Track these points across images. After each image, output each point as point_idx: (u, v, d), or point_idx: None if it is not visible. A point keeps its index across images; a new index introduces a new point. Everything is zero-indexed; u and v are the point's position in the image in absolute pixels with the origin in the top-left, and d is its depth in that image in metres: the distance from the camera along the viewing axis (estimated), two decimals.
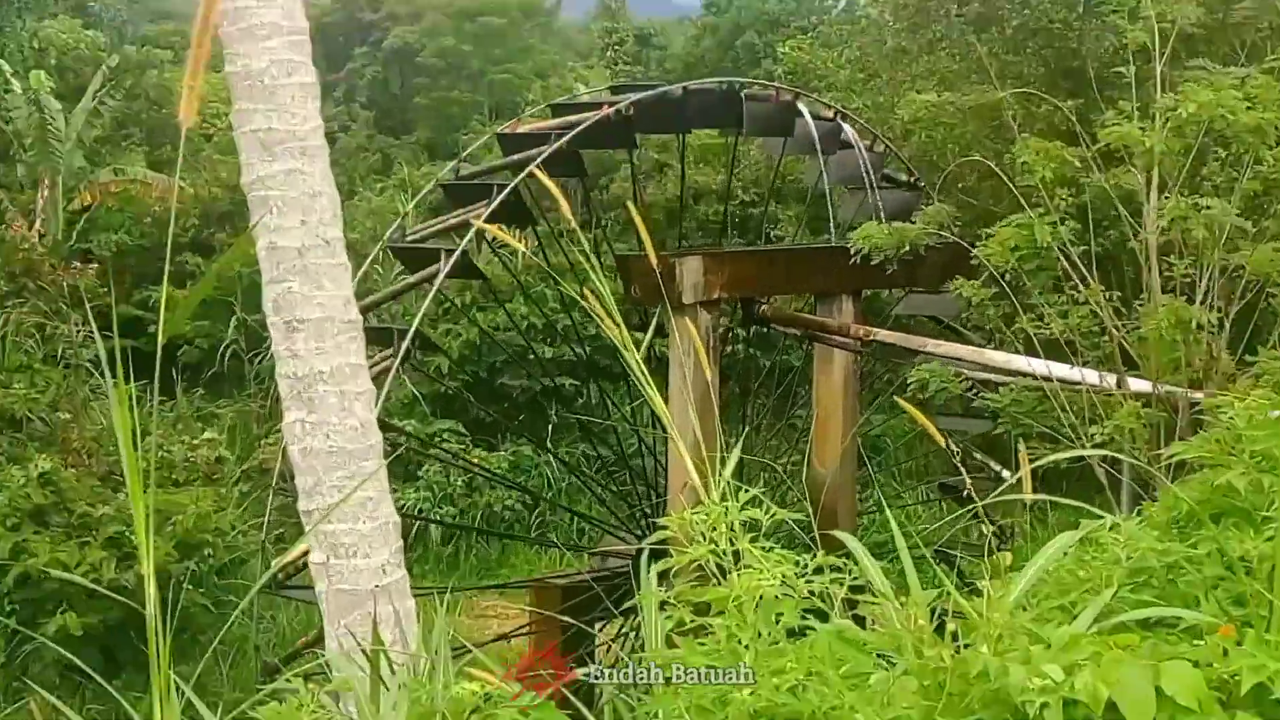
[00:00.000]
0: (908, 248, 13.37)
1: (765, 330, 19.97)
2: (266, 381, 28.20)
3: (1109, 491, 10.88)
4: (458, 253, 15.31)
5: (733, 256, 16.68)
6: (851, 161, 18.48)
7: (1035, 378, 11.69)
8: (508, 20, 49.81)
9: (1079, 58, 20.11)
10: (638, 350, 4.45)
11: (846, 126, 18.77)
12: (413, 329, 15.12)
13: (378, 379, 13.87)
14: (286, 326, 7.05)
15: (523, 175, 15.50)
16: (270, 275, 7.10)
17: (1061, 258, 11.21)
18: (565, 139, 16.02)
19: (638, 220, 5.03)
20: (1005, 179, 12.29)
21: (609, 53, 52.05)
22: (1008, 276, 11.32)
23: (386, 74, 52.13)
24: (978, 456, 18.14)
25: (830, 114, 18.96)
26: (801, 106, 18.19)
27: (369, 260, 16.79)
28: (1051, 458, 4.40)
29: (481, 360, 26.46)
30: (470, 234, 15.30)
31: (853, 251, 13.98)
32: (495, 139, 18.27)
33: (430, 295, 15.51)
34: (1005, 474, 16.75)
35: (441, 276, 15.17)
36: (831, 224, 18.87)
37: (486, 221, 15.18)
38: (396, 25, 52.41)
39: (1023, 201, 11.46)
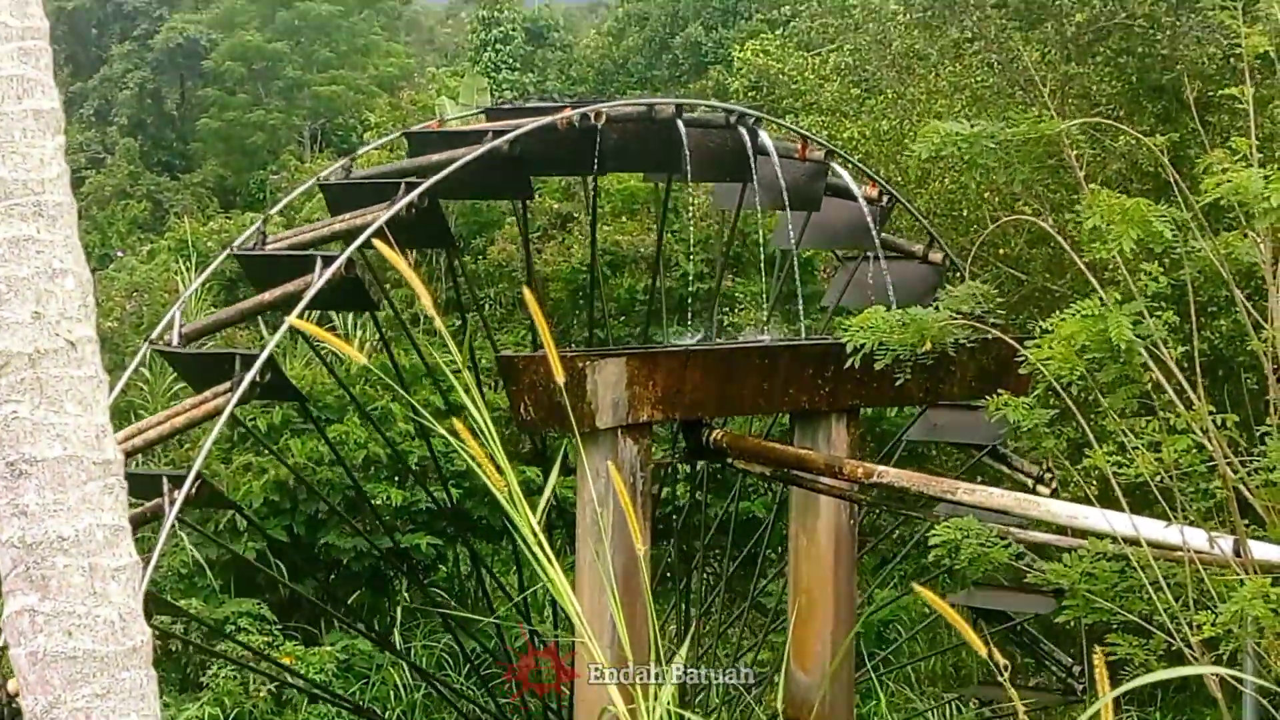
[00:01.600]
0: (928, 346, 13.51)
1: (719, 467, 20.03)
2: None
3: (1224, 707, 10.96)
4: (256, 364, 15.26)
5: (670, 358, 16.69)
6: (845, 219, 18.73)
7: (1115, 539, 11.79)
8: (339, 7, 50.15)
9: (1171, 70, 20.59)
10: (532, 502, 4.49)
11: (838, 168, 19.06)
12: (196, 465, 15.04)
13: (144, 548, 13.81)
14: (10, 470, 6.97)
15: (358, 244, 15.57)
16: None
17: (1151, 363, 11.36)
18: (421, 188, 16.12)
19: (531, 303, 5.07)
20: (1066, 245, 12.49)
21: (487, 54, 52.55)
22: (1074, 390, 11.46)
23: (158, 84, 52.22)
24: (1044, 645, 18.28)
25: (816, 151, 19.22)
26: (765, 138, 18.42)
27: (131, 365, 16.67)
28: (1142, 679, 4.44)
29: (297, 510, 26.28)
30: (281, 330, 15.30)
31: (848, 351, 14.11)
32: (319, 185, 18.37)
33: (218, 425, 15.43)
34: (1073, 680, 16.89)
35: (233, 399, 15.10)
36: (800, 304, 19.11)
37: (307, 308, 15.20)
38: (174, 12, 52.62)
39: (1092, 279, 11.64)
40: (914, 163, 16.99)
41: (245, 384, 15.07)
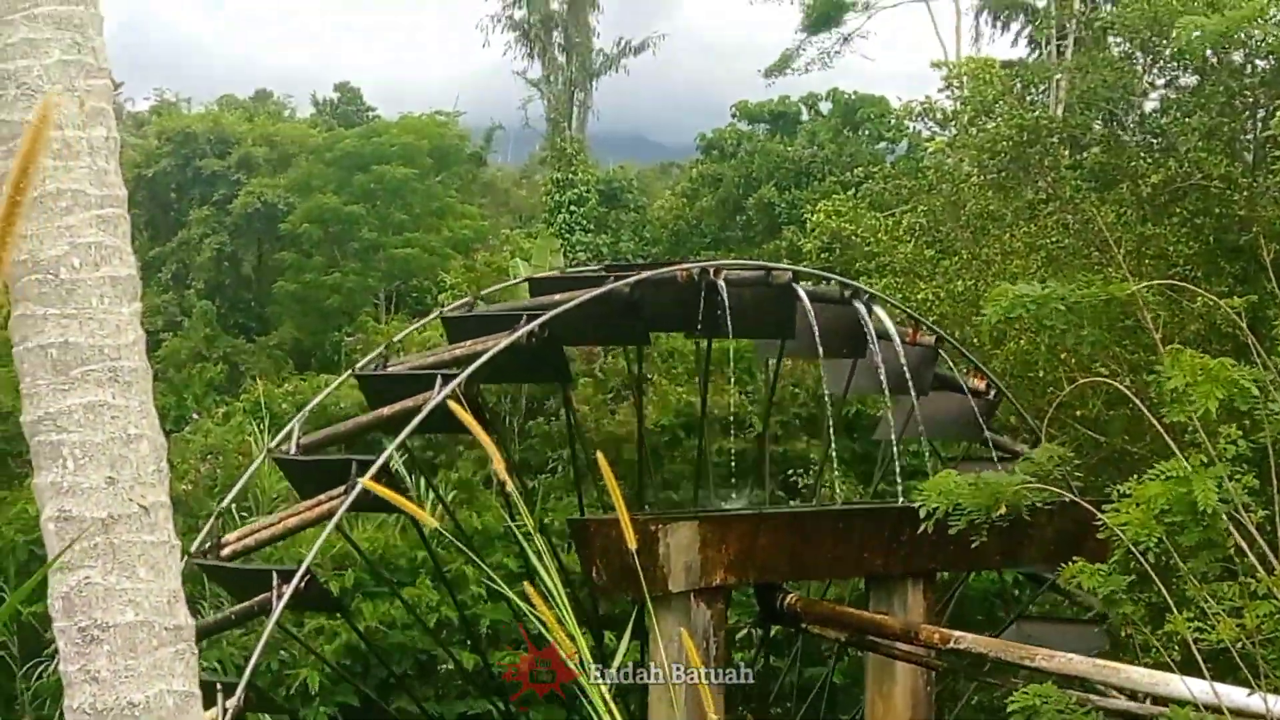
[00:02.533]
0: (1002, 509, 13.42)
1: (793, 632, 19.88)
2: (50, 706, 27.80)
3: None
4: (377, 463, 15.28)
5: (743, 521, 16.65)
6: (952, 410, 18.67)
7: (1196, 706, 11.63)
8: (414, 170, 50.63)
9: (1249, 231, 20.54)
10: (604, 666, 4.47)
11: (874, 311, 18.94)
12: (306, 561, 15.09)
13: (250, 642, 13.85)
14: (82, 635, 6.99)
15: (480, 362, 15.62)
16: (60, 559, 7.06)
17: (1233, 528, 11.25)
18: (545, 317, 16.22)
19: (603, 465, 5.07)
20: (1144, 408, 12.42)
21: (561, 215, 52.89)
22: (1152, 556, 11.34)
23: (236, 247, 52.75)
24: None
25: (926, 337, 19.13)
26: (885, 318, 18.40)
27: (206, 527, 16.74)
28: None
29: (369, 674, 26.20)
30: (392, 446, 15.33)
31: (922, 515, 14.03)
32: (442, 318, 18.62)
33: (320, 540, 15.49)
34: None
35: (346, 502, 15.13)
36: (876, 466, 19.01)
37: (427, 430, 15.38)
38: (251, 176, 53.19)
39: (1171, 442, 11.56)
40: (984, 330, 16.98)
41: (356, 492, 15.14)
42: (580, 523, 16.59)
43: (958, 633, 15.43)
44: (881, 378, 18.00)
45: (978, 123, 24.42)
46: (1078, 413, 21.18)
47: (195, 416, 39.72)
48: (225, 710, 14.69)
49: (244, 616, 15.70)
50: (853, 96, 52.12)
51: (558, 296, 17.28)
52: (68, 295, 7.14)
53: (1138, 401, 12.66)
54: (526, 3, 66.14)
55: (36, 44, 7.15)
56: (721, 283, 17.48)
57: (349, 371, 18.45)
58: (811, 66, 56.73)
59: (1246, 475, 11.45)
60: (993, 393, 19.56)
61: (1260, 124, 23.18)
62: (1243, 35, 20.01)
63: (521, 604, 4.51)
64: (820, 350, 18.11)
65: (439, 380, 15.87)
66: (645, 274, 17.38)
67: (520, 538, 21.08)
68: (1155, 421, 11.88)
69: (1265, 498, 11.34)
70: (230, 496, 18.51)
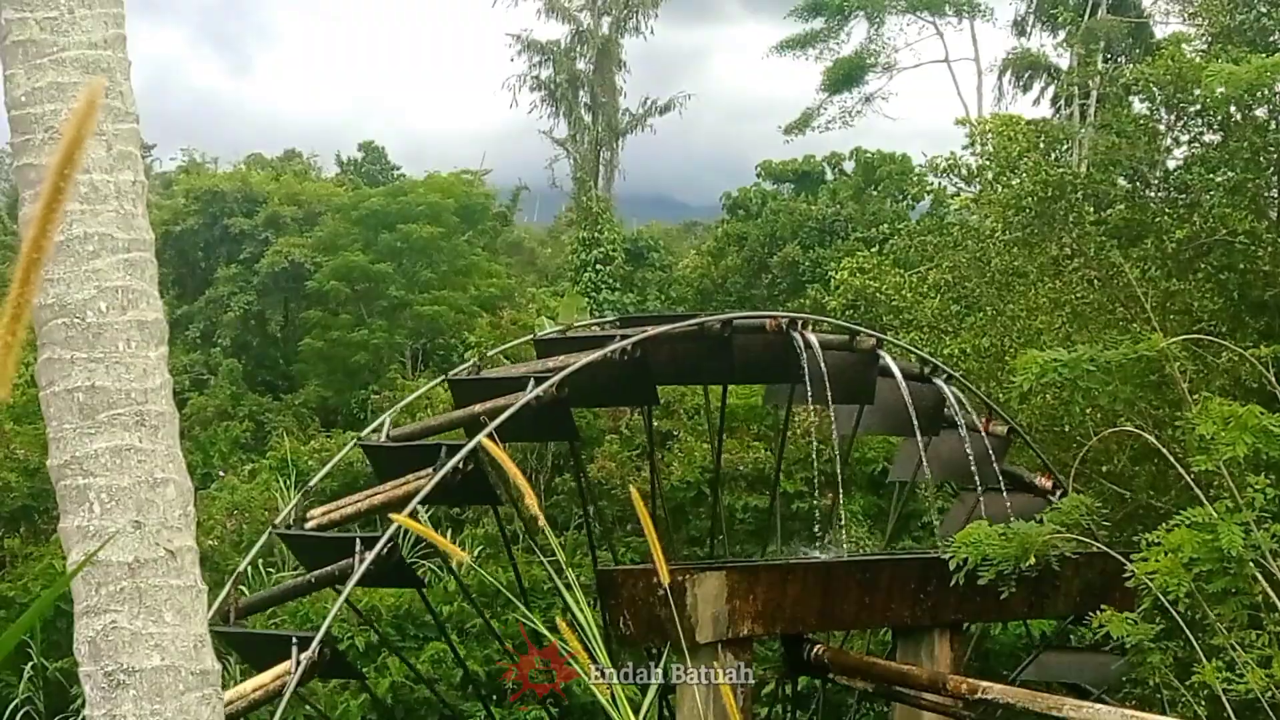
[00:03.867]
0: (1031, 560, 13.37)
1: (820, 683, 19.78)
2: None
3: None
4: (381, 542, 15.28)
5: (770, 572, 16.60)
6: (960, 450, 18.61)
7: None
8: (440, 229, 50.76)
9: (1274, 285, 20.49)
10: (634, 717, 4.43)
11: (952, 392, 18.95)
12: (325, 626, 15.03)
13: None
14: (108, 680, 6.97)
15: (487, 431, 15.58)
16: (86, 603, 7.05)
17: (1259, 577, 11.19)
18: (555, 379, 16.16)
19: (641, 511, 5.02)
20: (1172, 458, 12.38)
21: (587, 274, 52.96)
22: (1180, 605, 11.28)
23: (263, 305, 52.85)
24: None
25: (927, 371, 19.13)
26: (889, 361, 18.38)
27: (232, 579, 16.72)
28: None
29: None
30: (410, 506, 15.28)
31: (951, 566, 13.99)
32: (429, 396, 18.52)
33: (339, 603, 15.44)
34: None
35: (356, 576, 15.09)
36: (889, 516, 18.93)
37: (432, 501, 15.29)
38: (279, 235, 53.36)
39: (1199, 492, 11.51)
40: (1018, 392, 16.94)
41: (371, 557, 15.12)
42: (608, 573, 16.52)
43: (985, 683, 15.34)
44: (902, 412, 17.92)
45: (1002, 179, 24.42)
46: (1103, 467, 21.11)
47: (221, 474, 39.73)
48: (299, 663, 14.65)
49: (264, 697, 15.57)
50: (874, 155, 52.25)
51: (563, 358, 17.26)
52: (95, 339, 7.14)
53: (1165, 452, 12.62)
54: (553, 63, 66.36)
55: (64, 88, 7.17)
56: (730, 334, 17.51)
57: (355, 441, 18.41)
58: (833, 125, 56.93)
59: (1274, 524, 11.40)
60: (1003, 429, 19.48)
61: None
62: (1266, 91, 20.03)
63: (552, 637, 4.46)
64: (818, 390, 18.05)
65: (444, 451, 15.85)
66: (653, 330, 17.34)
67: (559, 586, 21.10)
68: (1183, 471, 11.84)
69: None
70: (246, 561, 18.46)
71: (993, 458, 18.66)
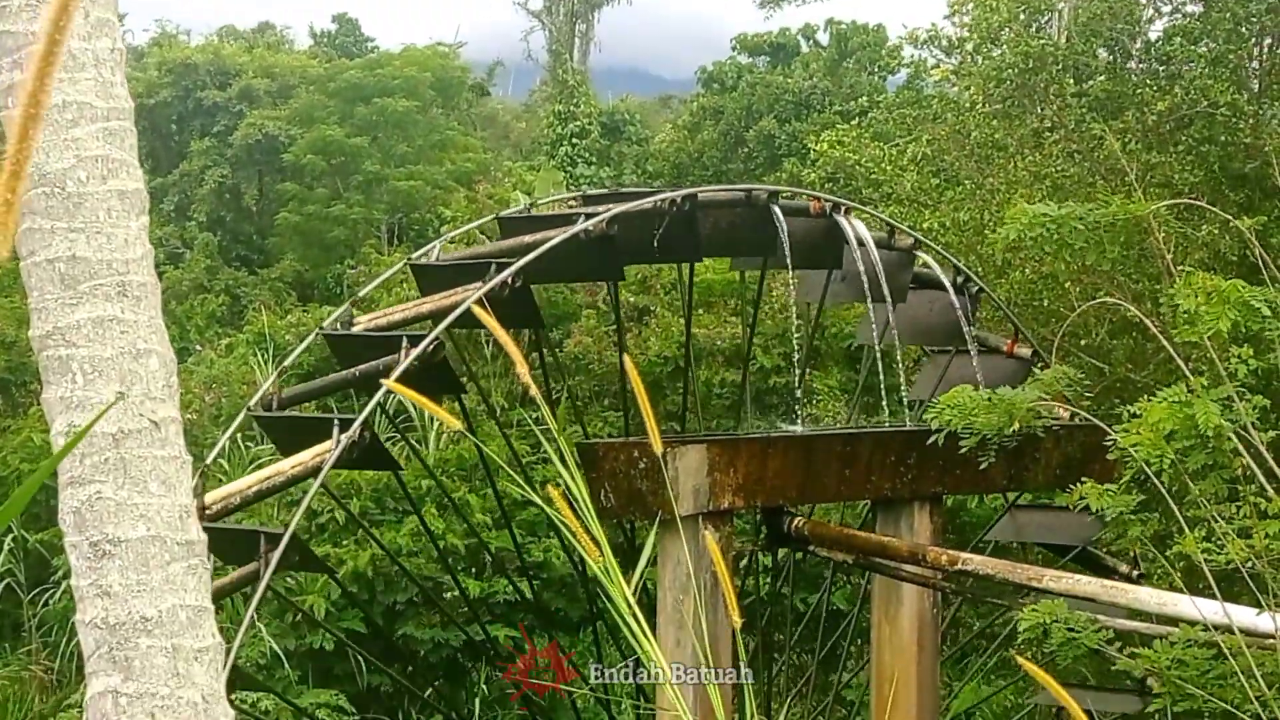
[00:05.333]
0: (1016, 426, 13.36)
1: (799, 556, 19.87)
2: (57, 633, 27.89)
3: None
4: (356, 424, 15.23)
5: (751, 445, 16.60)
6: (935, 310, 18.57)
7: (1205, 627, 11.60)
8: (416, 103, 50.45)
9: (1255, 158, 20.45)
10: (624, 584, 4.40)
11: (927, 259, 18.91)
12: (292, 523, 14.99)
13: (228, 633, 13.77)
14: (94, 550, 6.94)
15: (448, 322, 15.50)
16: (70, 474, 7.01)
17: (1241, 449, 11.21)
18: (515, 267, 16.06)
19: (635, 380, 4.96)
20: (1156, 330, 12.37)
21: (563, 148, 52.80)
22: (1167, 478, 11.30)
23: (237, 179, 52.62)
24: None
25: (905, 241, 19.07)
26: (855, 224, 18.29)
27: (214, 450, 16.70)
28: None
29: (375, 601, 26.25)
30: (374, 401, 15.23)
31: (933, 429, 13.97)
32: (408, 270, 18.35)
33: (315, 486, 15.41)
34: None
35: (332, 459, 15.04)
36: (883, 393, 18.96)
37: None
38: (252, 108, 53.04)
39: (1181, 363, 11.50)
40: (998, 248, 16.89)
41: (344, 444, 15.01)
42: (589, 445, 16.51)
43: (965, 554, 15.43)
44: (866, 282, 17.86)
45: (983, 50, 24.30)
46: (1082, 342, 21.14)
47: (198, 348, 39.69)
48: (268, 561, 14.62)
49: (230, 589, 15.49)
50: (848, 26, 52.01)
51: (528, 239, 17.11)
52: (75, 209, 7.07)
53: (1150, 323, 12.61)
54: None
55: None
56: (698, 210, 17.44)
57: (317, 329, 18.22)
58: None
59: (1255, 396, 11.41)
60: (974, 288, 19.40)
61: (1267, 51, 23.09)
62: None
63: (547, 508, 4.42)
64: (799, 263, 18.02)
65: (405, 341, 15.71)
66: (618, 208, 17.18)
67: (551, 455, 21.07)
68: (1166, 343, 11.83)
69: (1274, 419, 11.29)
70: (215, 452, 18.34)
71: (963, 319, 18.63)
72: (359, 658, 25.45)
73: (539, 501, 5.84)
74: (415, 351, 15.32)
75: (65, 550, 7.13)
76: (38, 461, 28.69)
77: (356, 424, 15.17)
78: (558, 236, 16.48)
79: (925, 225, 23.37)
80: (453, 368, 16.78)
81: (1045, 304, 21.89)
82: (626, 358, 5.69)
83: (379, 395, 15.31)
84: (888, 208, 25.43)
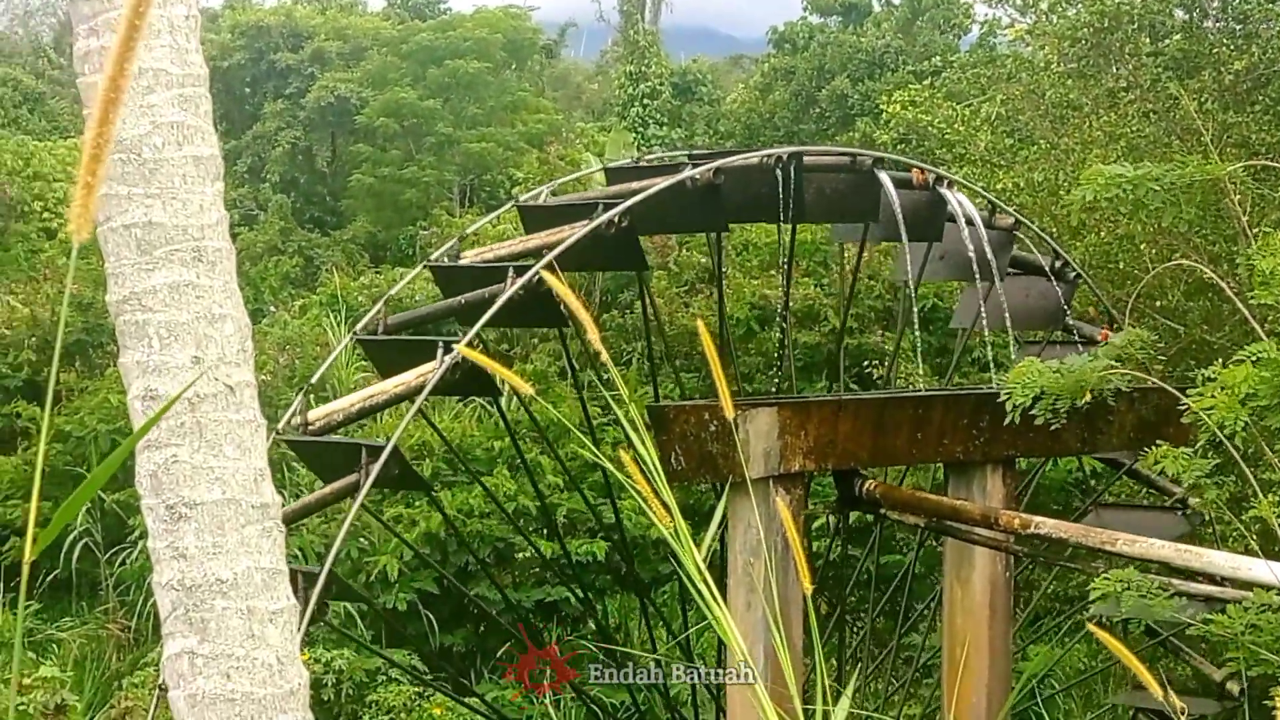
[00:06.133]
0: (1087, 396, 13.33)
1: (871, 519, 19.85)
2: (134, 593, 28.13)
3: None
4: (461, 344, 15.23)
5: (822, 407, 16.54)
6: (1032, 295, 18.45)
7: None
8: (488, 64, 50.48)
9: None
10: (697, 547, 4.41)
11: (954, 196, 18.65)
12: (395, 436, 15.08)
13: (303, 595, 13.89)
14: (170, 513, 7.02)
15: (556, 253, 15.52)
16: (146, 437, 7.08)
17: None
18: (622, 207, 16.04)
19: (707, 342, 4.97)
20: (1230, 292, 12.30)
21: (634, 109, 52.73)
22: (1239, 440, 11.24)
23: (310, 141, 52.82)
24: None
25: (1005, 220, 18.83)
26: (966, 202, 18.10)
27: (295, 404, 16.73)
28: None
29: (447, 562, 26.39)
30: (478, 324, 15.25)
31: (1006, 407, 13.94)
32: (518, 207, 18.42)
33: (408, 417, 15.50)
34: None
35: (435, 377, 15.08)
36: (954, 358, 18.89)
37: (497, 323, 15.25)
38: (324, 70, 53.18)
39: (1257, 326, 11.45)
40: (1075, 209, 16.74)
41: (447, 364, 15.06)
42: (660, 409, 16.47)
43: (1038, 518, 15.34)
44: (971, 252, 17.69)
45: (1058, 9, 24.10)
46: (1157, 304, 21.01)
47: (272, 309, 39.91)
48: (309, 599, 14.71)
49: (330, 500, 15.63)
50: None
51: (634, 185, 17.12)
52: (150, 174, 7.12)
53: (1225, 285, 12.53)
54: None
55: None
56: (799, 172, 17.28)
57: (424, 263, 18.33)
58: None
59: None
60: (1072, 274, 19.25)
61: None
62: None
63: (617, 472, 4.43)
64: (892, 231, 17.87)
65: (511, 272, 15.76)
66: (727, 160, 17.16)
67: (621, 419, 21.09)
68: (1241, 306, 11.77)
69: None
70: (318, 374, 18.50)
71: (1061, 302, 18.55)
72: (431, 617, 25.62)
73: (607, 465, 5.88)
74: (520, 280, 15.33)
75: (142, 511, 7.20)
76: (114, 423, 28.92)
77: (461, 344, 15.19)
78: (664, 181, 16.47)
79: (999, 186, 23.25)
80: (556, 300, 16.78)
81: (1120, 266, 21.74)
82: (700, 324, 5.65)
83: (483, 320, 15.30)
84: (961, 169, 25.32)
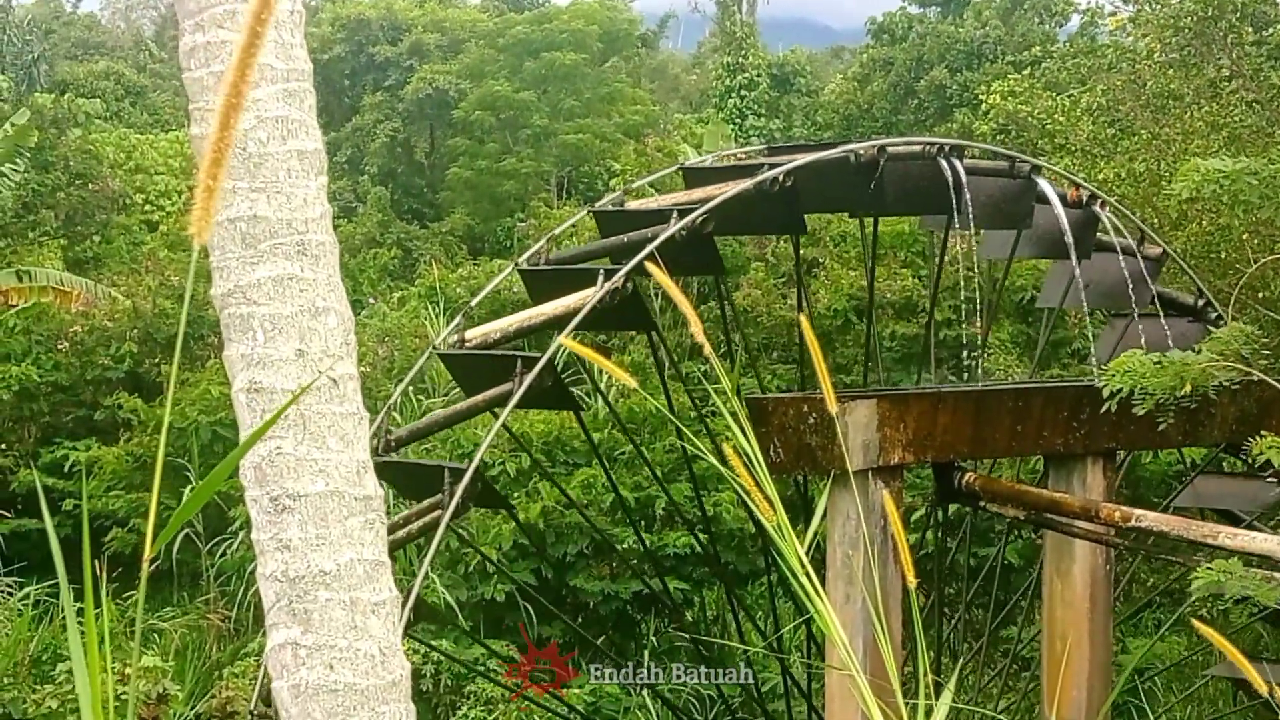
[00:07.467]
0: (1187, 389, 13.21)
1: (971, 511, 19.76)
2: (235, 583, 28.34)
3: None
4: (621, 274, 15.33)
5: (921, 400, 16.47)
6: (1114, 271, 18.30)
7: None
8: (585, 56, 50.54)
9: None
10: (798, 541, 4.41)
11: (1106, 216, 18.56)
12: (476, 458, 15.13)
13: (404, 584, 13.95)
14: (274, 505, 7.07)
15: (641, 257, 15.53)
16: (251, 430, 7.14)
17: None
18: (698, 213, 16.05)
19: (809, 336, 4.97)
20: None
21: (732, 100, 52.69)
22: None
23: (408, 133, 53.07)
24: None
25: (1077, 193, 18.73)
26: (1047, 186, 17.97)
27: (386, 406, 16.89)
28: None
29: (546, 553, 26.45)
30: (634, 262, 15.30)
31: (1105, 395, 13.84)
32: (592, 212, 18.43)
33: (496, 425, 15.57)
34: None
35: (594, 299, 15.17)
36: (1036, 346, 18.75)
37: (588, 326, 15.30)
38: (423, 63, 53.40)
39: None
40: (1173, 203, 16.63)
41: (607, 289, 15.20)
42: (758, 401, 16.47)
43: (1139, 511, 15.25)
44: (1053, 242, 17.61)
45: None
46: (1260, 295, 20.82)
47: (371, 301, 40.12)
48: (452, 494, 14.78)
49: (414, 523, 15.66)
50: None
51: (711, 189, 17.09)
52: (255, 169, 7.17)
53: None
54: None
55: None
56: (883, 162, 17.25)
57: (513, 264, 18.41)
58: None
59: None
60: (1157, 251, 19.02)
61: None
62: None
63: (717, 464, 4.44)
64: (977, 220, 17.76)
65: (600, 275, 15.81)
66: (803, 160, 17.05)
67: (723, 411, 21.11)
68: None
69: None
70: (400, 390, 18.59)
71: (1148, 280, 18.36)
72: (530, 608, 25.69)
73: (708, 457, 5.87)
74: (609, 284, 15.43)
75: (244, 502, 7.26)
76: (215, 414, 29.13)
77: (621, 274, 15.32)
78: (736, 188, 16.46)
79: (1100, 176, 23.09)
80: (644, 303, 16.91)
81: (1222, 256, 21.57)
82: (802, 318, 5.64)
83: (640, 257, 15.33)
84: (1061, 159, 25.16)
